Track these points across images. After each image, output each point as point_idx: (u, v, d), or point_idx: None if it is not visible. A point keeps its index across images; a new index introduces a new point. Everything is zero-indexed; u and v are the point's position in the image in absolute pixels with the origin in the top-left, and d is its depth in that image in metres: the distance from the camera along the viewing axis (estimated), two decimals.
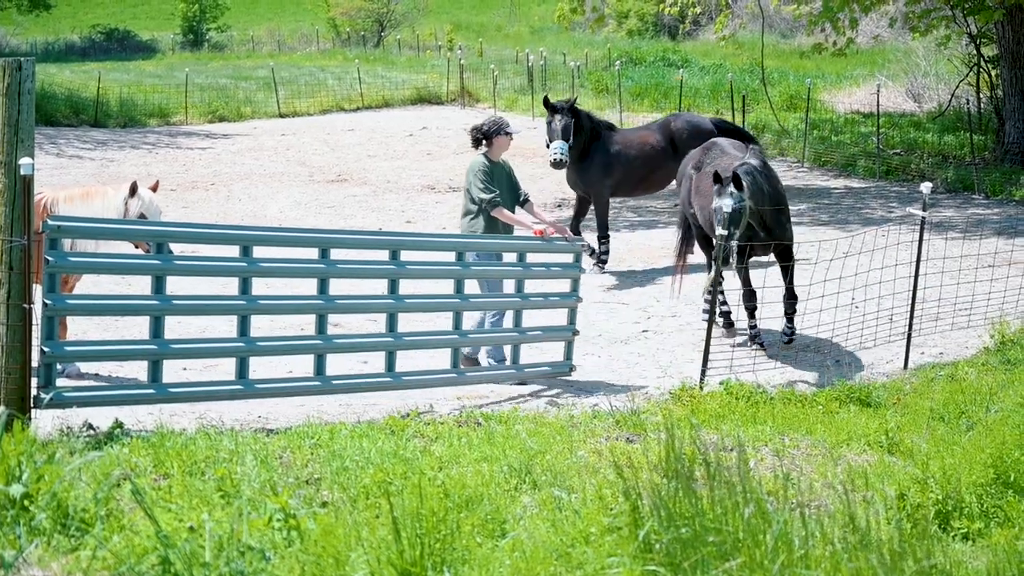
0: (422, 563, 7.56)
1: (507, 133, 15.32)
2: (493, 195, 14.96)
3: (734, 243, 14.06)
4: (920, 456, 10.60)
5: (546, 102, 21.25)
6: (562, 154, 20.28)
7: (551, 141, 20.60)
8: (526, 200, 15.48)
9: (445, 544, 7.77)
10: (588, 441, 11.46)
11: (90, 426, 11.30)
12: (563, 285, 15.50)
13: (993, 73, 33.92)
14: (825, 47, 34.58)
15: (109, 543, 7.33)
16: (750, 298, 15.52)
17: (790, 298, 15.54)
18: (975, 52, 34.97)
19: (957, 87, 37.37)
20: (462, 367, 14.58)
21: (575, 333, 15.27)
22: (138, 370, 13.54)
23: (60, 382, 12.20)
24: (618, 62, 49.54)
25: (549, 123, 20.83)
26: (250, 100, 46.94)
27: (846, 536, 6.98)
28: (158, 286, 12.27)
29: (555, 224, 15.43)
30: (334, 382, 13.27)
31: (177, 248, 13.28)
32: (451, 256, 14.54)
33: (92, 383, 13.64)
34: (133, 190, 14.32)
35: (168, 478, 9.51)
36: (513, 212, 15.20)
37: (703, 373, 14.30)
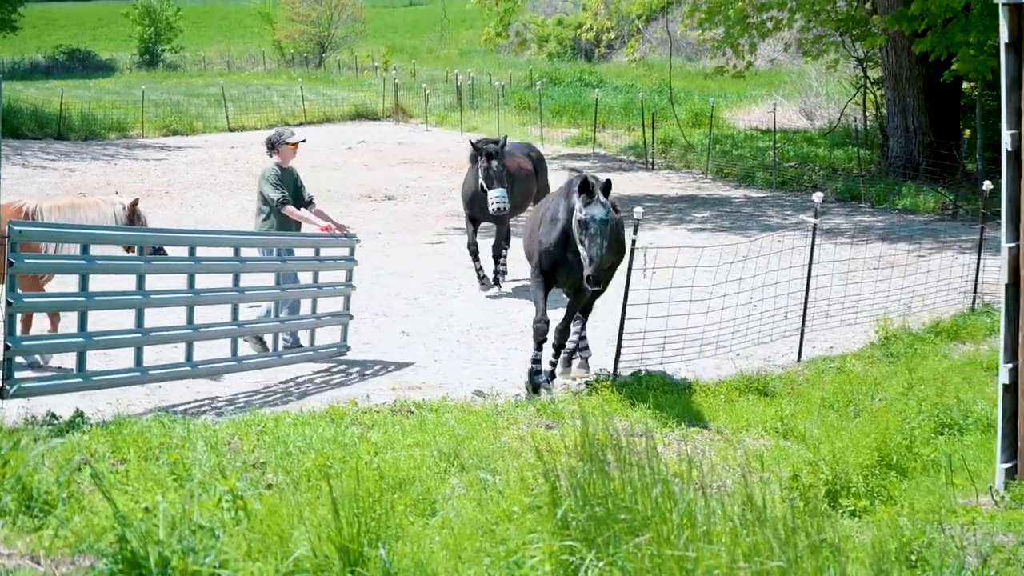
0: (359, 540, 7.55)
1: (287, 143, 15.92)
2: (282, 194, 15.44)
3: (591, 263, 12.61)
4: (812, 441, 10.67)
5: (477, 148, 19.12)
6: (504, 202, 18.63)
7: (489, 187, 18.66)
8: (310, 202, 15.98)
9: (380, 522, 7.76)
10: (511, 428, 11.48)
11: (53, 415, 11.20)
12: (342, 276, 16.23)
13: (878, 93, 34.20)
14: (727, 69, 34.76)
15: (70, 523, 7.30)
16: (563, 335, 14.16)
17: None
18: (862, 74, 35.27)
19: (846, 106, 37.67)
20: (253, 350, 15.02)
21: (350, 317, 16.12)
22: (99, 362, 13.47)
23: (21, 374, 12.11)
24: (539, 82, 49.60)
25: (486, 168, 18.76)
26: (202, 115, 46.66)
27: (745, 513, 7.01)
28: (82, 284, 12.49)
29: (336, 222, 16.11)
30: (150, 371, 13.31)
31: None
32: (253, 251, 15.12)
33: (42, 373, 13.57)
34: (135, 205, 14.90)
35: (125, 463, 9.47)
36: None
37: (616, 365, 14.34)
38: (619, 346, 14.46)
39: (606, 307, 17.06)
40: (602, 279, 13.36)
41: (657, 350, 14.77)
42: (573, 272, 13.29)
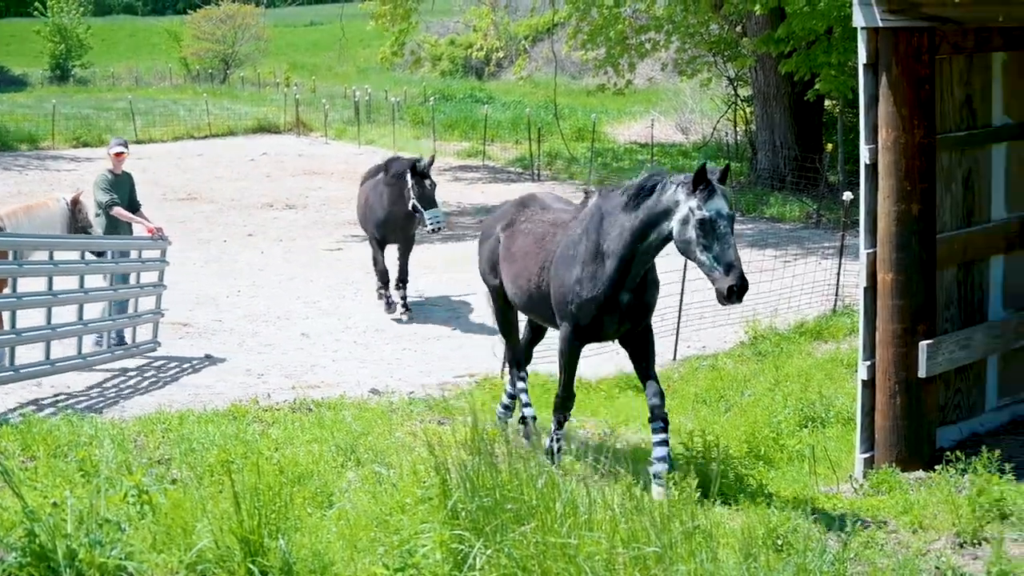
0: (259, 531, 7.49)
1: (111, 152, 16.22)
2: (111, 197, 15.70)
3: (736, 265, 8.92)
4: (686, 433, 10.73)
5: (414, 168, 17.57)
6: (442, 222, 17.64)
7: (424, 207, 17.41)
8: (138, 207, 16.33)
9: (280, 515, 7.71)
10: (405, 424, 11.46)
11: None
12: (154, 276, 16.39)
13: (748, 110, 34.51)
14: (608, 87, 34.87)
15: None
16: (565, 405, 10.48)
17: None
18: (733, 93, 35.57)
19: (718, 122, 37.96)
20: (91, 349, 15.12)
21: (162, 315, 16.28)
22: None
23: None
24: (432, 98, 49.54)
25: (420, 188, 17.48)
26: (110, 128, 46.01)
27: (624, 502, 7.04)
28: None
29: (154, 225, 16.33)
30: None
31: None
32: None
33: None
34: (75, 201, 15.21)
35: (35, 460, 9.35)
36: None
37: (503, 364, 14.35)
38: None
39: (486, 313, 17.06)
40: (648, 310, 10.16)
41: (543, 350, 14.79)
42: (629, 313, 9.67)
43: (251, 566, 7.41)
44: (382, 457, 9.85)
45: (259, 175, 35.56)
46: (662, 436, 9.47)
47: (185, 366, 15.08)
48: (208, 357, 15.51)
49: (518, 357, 11.66)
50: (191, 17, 76.10)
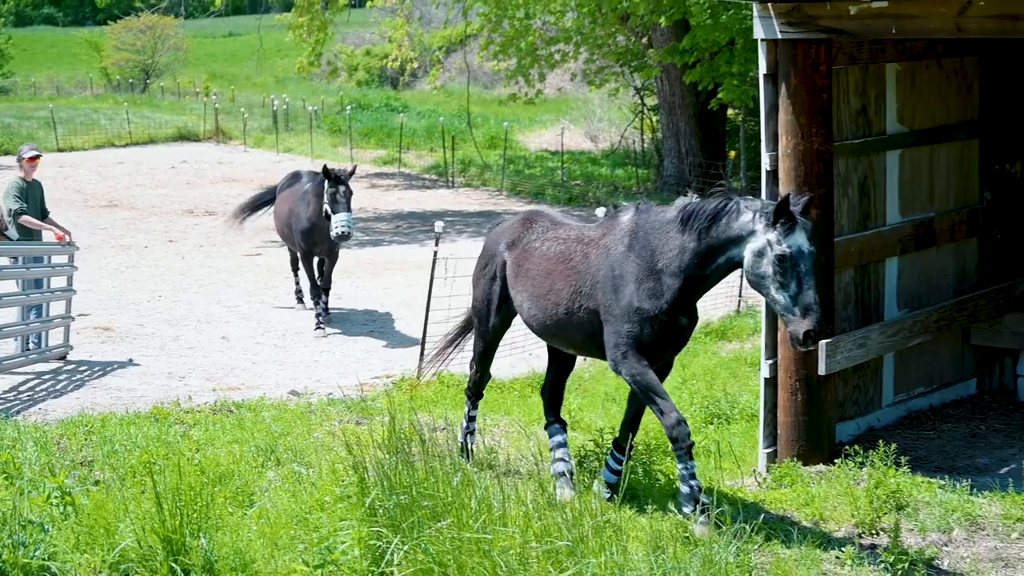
0: (181, 531, 7.44)
1: (23, 158, 16.14)
2: (20, 205, 15.60)
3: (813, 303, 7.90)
4: (596, 431, 10.77)
5: (326, 171, 16.86)
6: (349, 227, 16.64)
7: (334, 211, 16.55)
8: (47, 215, 16.18)
9: (201, 514, 7.66)
10: (324, 424, 11.42)
11: None
12: (64, 281, 16.22)
13: (654, 119, 34.72)
14: (519, 96, 34.95)
15: None
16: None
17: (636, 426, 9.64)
18: (640, 102, 35.76)
19: (625, 130, 38.17)
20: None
21: (72, 319, 15.99)
22: None
23: None
24: (349, 107, 49.35)
25: (333, 193, 16.61)
26: (32, 136, 45.38)
27: (537, 499, 7.06)
28: None
29: (62, 232, 16.07)
30: None
31: None
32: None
33: None
34: None
35: None
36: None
37: (420, 365, 14.33)
38: (423, 347, 14.47)
39: (411, 313, 17.07)
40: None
41: (458, 351, 14.78)
42: (677, 339, 8.83)
43: (173, 565, 7.36)
44: (301, 457, 9.80)
45: (179, 182, 35.27)
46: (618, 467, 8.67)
47: (107, 369, 14.92)
48: (130, 361, 15.37)
49: (481, 389, 10.50)
50: (111, 28, 75.28)
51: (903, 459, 9.04)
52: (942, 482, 9.07)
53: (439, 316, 14.58)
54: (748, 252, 8.06)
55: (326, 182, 16.85)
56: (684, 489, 8.47)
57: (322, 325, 17.17)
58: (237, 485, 9.15)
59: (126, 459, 9.73)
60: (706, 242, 8.27)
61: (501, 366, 14.75)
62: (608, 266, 8.76)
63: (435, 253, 14.47)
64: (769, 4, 9.36)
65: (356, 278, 21.21)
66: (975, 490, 8.89)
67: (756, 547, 7.85)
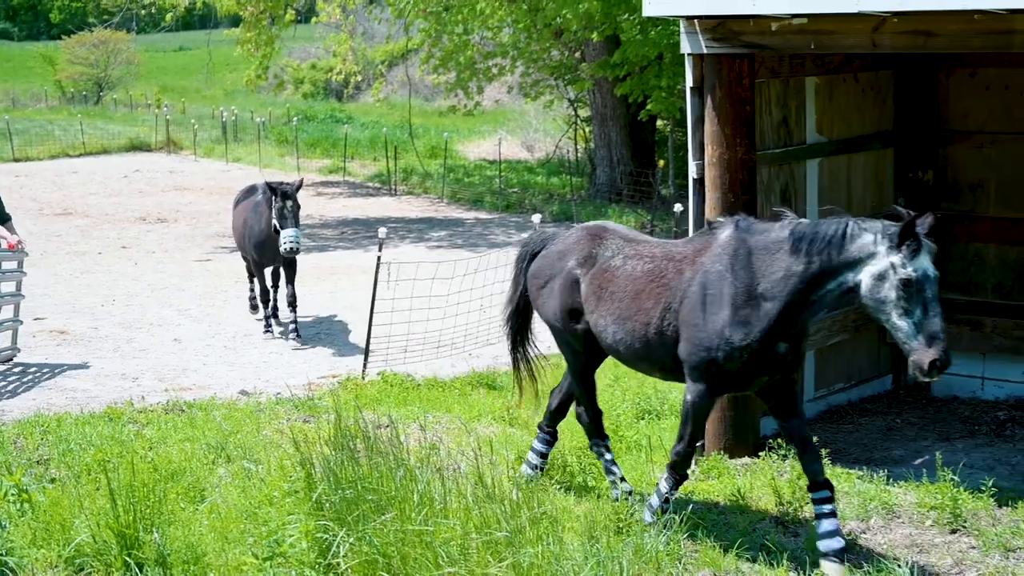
0: (135, 526, 7.40)
1: None
2: None
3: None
4: (533, 427, 10.78)
5: (271, 186, 16.25)
6: (297, 242, 15.90)
7: (282, 226, 15.85)
8: (8, 219, 16.02)
9: (154, 509, 7.62)
10: (272, 422, 11.36)
11: None
12: (12, 286, 15.95)
13: (587, 129, 34.78)
14: (459, 108, 35.00)
15: None
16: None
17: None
18: (573, 113, 35.83)
19: (560, 140, 38.23)
20: None
21: (21, 323, 15.75)
22: None
23: None
24: (295, 119, 49.10)
25: (280, 208, 15.96)
26: None
27: (476, 492, 7.05)
28: None
29: (16, 239, 15.78)
30: None
31: None
32: None
33: None
34: None
35: None
36: None
37: (365, 366, 14.31)
38: (367, 349, 14.45)
39: (356, 315, 17.02)
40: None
41: (401, 352, 14.77)
42: (780, 365, 7.83)
43: (127, 559, 7.31)
44: (251, 454, 9.76)
45: (132, 191, 34.97)
46: (829, 507, 7.72)
47: (63, 371, 14.78)
48: (85, 363, 15.25)
49: (597, 423, 9.32)
50: (65, 42, 74.60)
51: (824, 451, 9.10)
52: (860, 473, 9.15)
53: (383, 319, 14.58)
54: (867, 276, 7.30)
55: (273, 197, 16.19)
56: (653, 500, 8.24)
57: (271, 329, 16.80)
58: (189, 481, 9.10)
59: (81, 457, 9.66)
60: (819, 265, 7.47)
61: (442, 365, 14.76)
62: (701, 284, 7.90)
63: (379, 258, 14.44)
64: (695, 21, 9.41)
65: (303, 282, 21.08)
66: (891, 480, 8.97)
67: (685, 536, 7.89)
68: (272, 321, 17.00)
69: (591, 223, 9.17)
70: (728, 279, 7.77)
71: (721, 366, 7.75)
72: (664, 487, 8.15)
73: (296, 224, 16.06)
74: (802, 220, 7.72)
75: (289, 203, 16.03)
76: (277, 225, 16.05)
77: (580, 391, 9.18)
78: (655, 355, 8.24)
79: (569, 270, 8.73)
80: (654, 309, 8.11)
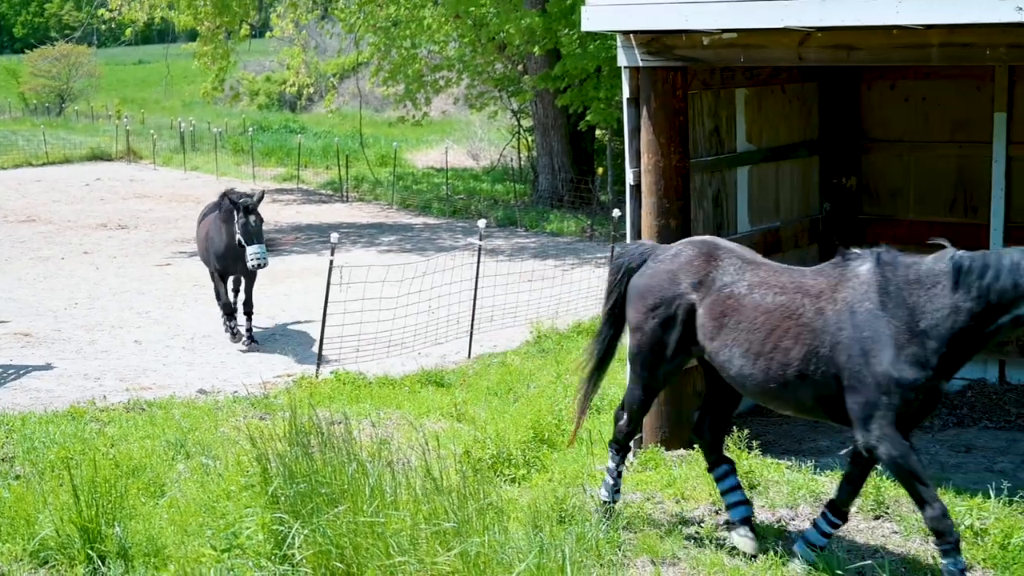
0: (97, 520, 7.35)
1: None
2: None
3: None
4: (480, 422, 10.79)
5: (232, 200, 15.68)
6: (264, 258, 15.40)
7: (247, 242, 15.38)
8: None
9: (116, 504, 7.57)
10: (230, 420, 11.30)
11: None
12: None
13: (530, 139, 34.82)
14: (407, 119, 34.94)
15: None
16: None
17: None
18: (516, 123, 35.86)
19: (504, 149, 38.25)
20: None
21: None
22: None
23: None
24: (251, 129, 48.90)
25: (244, 224, 15.42)
26: None
27: (425, 485, 7.05)
28: None
29: None
30: None
31: None
32: None
33: None
34: None
35: None
36: None
37: (318, 365, 14.25)
38: (320, 348, 14.40)
39: (310, 317, 16.96)
40: None
41: (353, 351, 14.73)
42: (935, 399, 7.07)
43: (90, 552, 7.26)
44: (209, 450, 9.70)
45: (94, 198, 34.68)
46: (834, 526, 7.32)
47: (26, 372, 14.63)
48: (48, 364, 15.10)
49: (631, 440, 8.47)
50: (28, 56, 74.01)
51: (754, 443, 9.16)
52: (789, 463, 9.21)
53: (335, 320, 14.53)
54: None
55: (236, 212, 15.63)
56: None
57: (250, 338, 16.09)
58: (149, 477, 9.04)
59: (45, 455, 9.57)
60: (988, 300, 6.72)
61: (392, 364, 14.73)
62: (853, 326, 7.07)
63: (331, 262, 14.39)
64: (631, 35, 9.44)
65: (259, 285, 20.98)
66: (818, 469, 9.03)
67: (624, 524, 7.91)
68: (239, 328, 16.54)
69: (697, 238, 8.28)
70: (884, 318, 6.99)
71: (897, 409, 6.92)
72: (949, 565, 6.87)
73: (260, 239, 15.54)
74: (960, 252, 6.91)
75: (252, 218, 15.52)
76: (242, 240, 15.54)
77: (638, 408, 8.30)
78: (793, 396, 7.40)
79: (683, 295, 7.82)
80: (795, 350, 7.27)
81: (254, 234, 15.45)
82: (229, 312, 16.70)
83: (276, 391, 13.18)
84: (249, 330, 16.24)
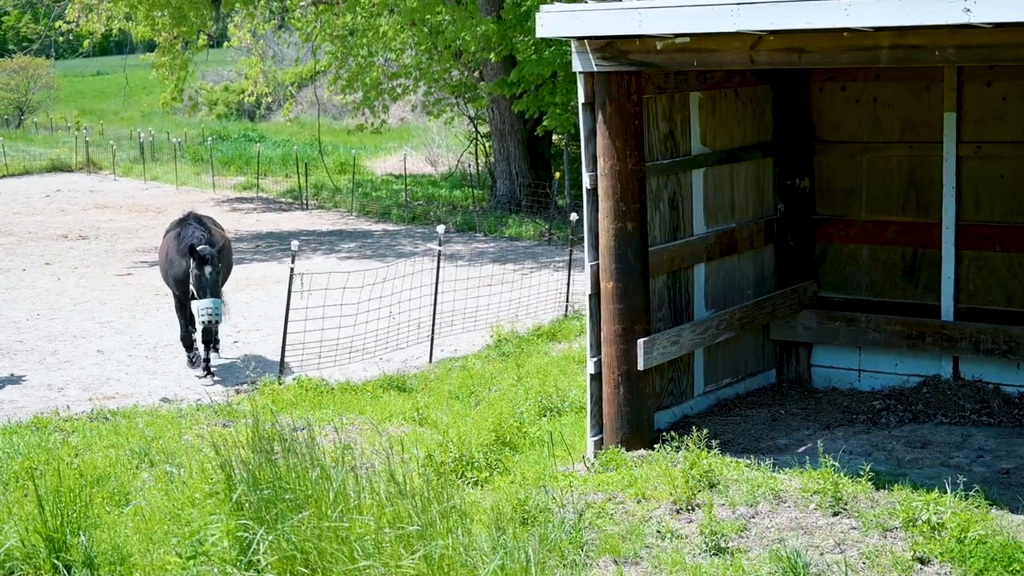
0: (63, 530, 7.29)
1: None
2: None
3: None
4: (442, 426, 10.77)
5: (192, 246, 14.25)
6: (216, 316, 14.14)
7: (199, 295, 14.16)
8: None
9: (81, 514, 7.51)
10: (193, 428, 11.23)
11: None
12: None
13: (487, 144, 34.85)
14: (365, 126, 34.88)
15: None
16: None
17: None
18: (474, 129, 35.87)
19: (462, 155, 38.24)
20: None
21: None
22: None
23: None
24: (210, 138, 48.68)
25: (198, 276, 14.14)
26: None
27: (389, 488, 7.03)
28: None
29: None
30: None
31: None
32: None
33: None
34: None
35: None
36: None
37: (280, 371, 14.19)
38: (283, 355, 14.34)
39: (271, 324, 16.88)
40: None
41: (315, 357, 14.67)
42: None
43: (55, 561, 7.20)
44: (173, 458, 9.63)
45: (54, 209, 34.42)
46: None
47: None
48: (11, 375, 14.97)
49: None
50: None
51: (714, 442, 9.17)
52: (748, 461, 9.23)
53: (297, 327, 14.48)
54: None
55: (191, 259, 14.30)
56: None
57: (206, 370, 14.82)
58: (114, 486, 8.97)
59: (9, 465, 9.48)
60: None
61: (354, 370, 14.68)
62: None
63: (292, 269, 14.34)
64: (585, 41, 9.45)
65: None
66: (777, 467, 9.06)
67: (587, 524, 7.91)
68: (198, 355, 15.24)
69: None
70: None
71: None
72: None
73: (216, 292, 14.26)
74: None
75: (208, 269, 14.15)
76: (194, 292, 14.31)
77: None
78: None
79: None
80: None
81: (208, 287, 14.19)
82: (188, 345, 15.38)
83: (239, 398, 13.12)
84: (207, 360, 14.93)
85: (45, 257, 25.65)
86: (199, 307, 14.18)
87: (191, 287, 14.40)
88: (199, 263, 14.19)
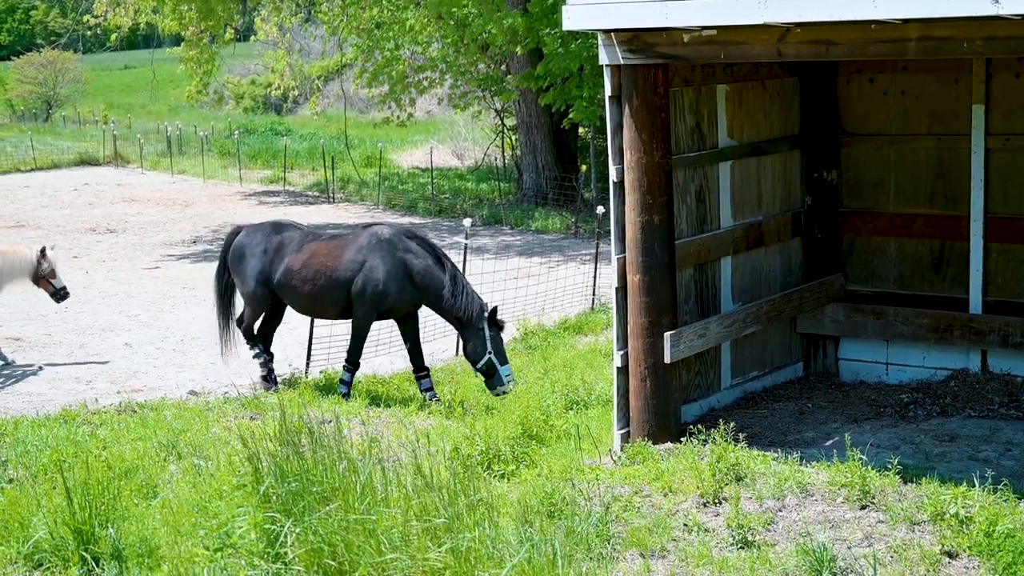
0: (91, 522, 7.33)
1: None
2: None
3: None
4: (469, 419, 10.78)
5: (494, 317, 12.92)
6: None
7: (501, 360, 12.73)
8: None
9: (109, 506, 7.55)
10: (221, 420, 11.28)
11: None
12: None
13: (513, 138, 34.83)
14: (392, 120, 34.90)
15: None
16: None
17: None
18: (500, 123, 35.85)
19: (488, 148, 38.23)
20: None
21: None
22: None
23: None
24: (237, 132, 48.80)
25: (494, 337, 12.80)
26: None
27: (416, 481, 7.04)
28: None
29: None
30: None
31: None
32: None
33: None
34: (43, 252, 15.56)
35: None
36: None
37: (307, 364, 14.24)
38: (310, 348, 14.37)
39: (299, 317, 16.89)
40: None
41: (342, 351, 14.69)
42: None
43: (84, 553, 7.24)
44: (201, 451, 9.68)
45: (82, 203, 34.59)
46: None
47: (18, 376, 14.59)
48: (40, 367, 15.07)
49: None
50: (14, 63, 73.65)
51: (741, 435, 9.16)
52: (775, 455, 9.22)
53: (325, 319, 14.50)
54: None
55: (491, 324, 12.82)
56: None
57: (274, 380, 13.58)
58: (142, 479, 9.01)
59: (38, 458, 9.55)
60: None
61: (382, 363, 14.71)
62: None
63: None
64: (612, 34, 9.44)
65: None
66: (804, 461, 9.04)
67: (613, 518, 7.91)
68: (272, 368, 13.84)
69: None
70: None
71: None
72: None
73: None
74: None
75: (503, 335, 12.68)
76: (493, 355, 12.66)
77: None
78: None
79: None
80: None
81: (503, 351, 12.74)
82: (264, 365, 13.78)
83: (266, 391, 13.15)
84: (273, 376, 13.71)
85: (73, 251, 25.78)
86: (506, 374, 12.67)
87: (488, 351, 12.68)
88: (499, 329, 12.90)
